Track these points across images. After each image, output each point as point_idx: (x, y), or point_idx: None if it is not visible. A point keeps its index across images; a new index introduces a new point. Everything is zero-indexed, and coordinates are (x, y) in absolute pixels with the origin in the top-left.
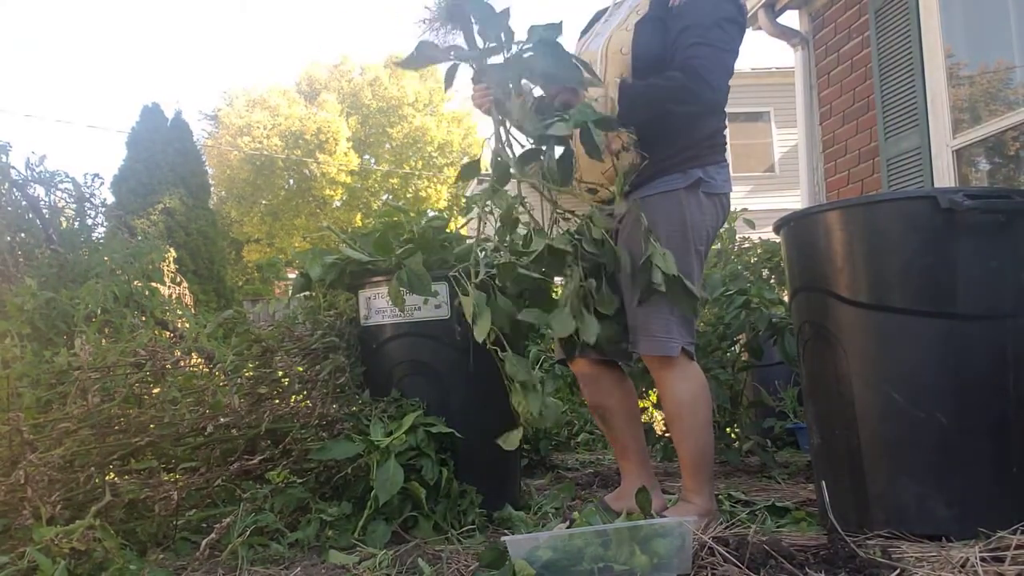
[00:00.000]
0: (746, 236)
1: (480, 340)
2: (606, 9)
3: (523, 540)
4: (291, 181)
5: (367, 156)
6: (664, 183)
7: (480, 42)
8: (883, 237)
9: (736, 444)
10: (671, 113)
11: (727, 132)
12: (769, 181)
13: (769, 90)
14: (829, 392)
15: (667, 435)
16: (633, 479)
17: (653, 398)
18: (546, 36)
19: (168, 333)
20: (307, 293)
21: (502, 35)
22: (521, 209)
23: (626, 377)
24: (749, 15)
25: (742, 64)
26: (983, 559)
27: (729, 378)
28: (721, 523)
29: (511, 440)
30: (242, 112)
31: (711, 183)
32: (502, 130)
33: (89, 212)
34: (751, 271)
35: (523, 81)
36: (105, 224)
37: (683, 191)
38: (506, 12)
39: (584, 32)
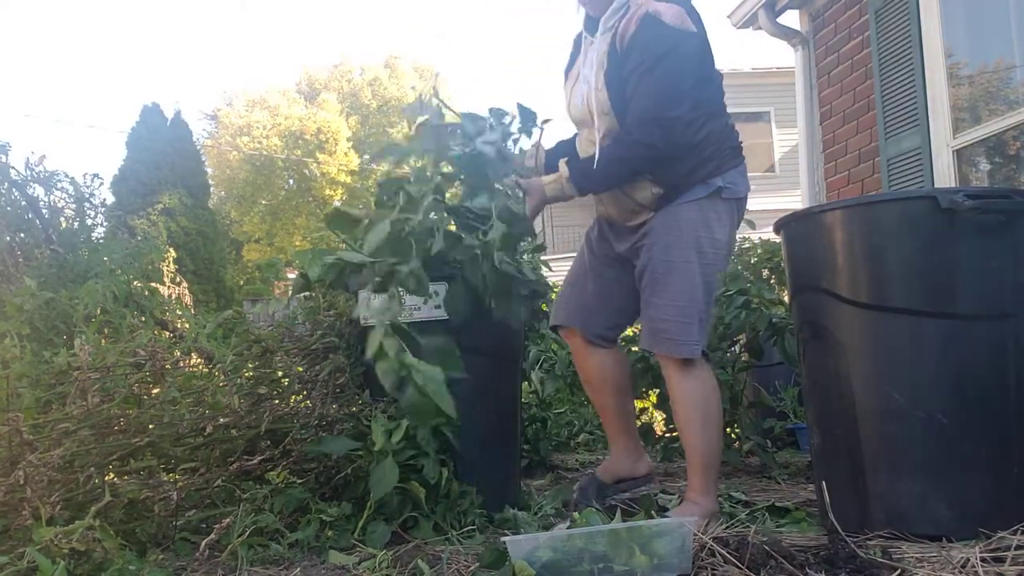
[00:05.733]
0: (746, 236)
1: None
2: (579, 36)
3: (523, 540)
4: (291, 181)
5: (367, 156)
6: (687, 195)
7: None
8: (883, 237)
9: (736, 444)
10: (645, 166)
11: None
12: (769, 181)
13: (769, 90)
14: (829, 392)
15: (667, 435)
16: (620, 447)
17: (653, 398)
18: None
19: (168, 333)
20: (307, 293)
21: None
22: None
23: (619, 349)
24: (749, 15)
25: (742, 64)
26: (983, 559)
27: (729, 378)
28: (721, 523)
29: None
30: (242, 112)
31: (731, 188)
32: None
33: (89, 212)
34: (751, 271)
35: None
36: (105, 224)
37: (704, 200)
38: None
39: (567, 70)
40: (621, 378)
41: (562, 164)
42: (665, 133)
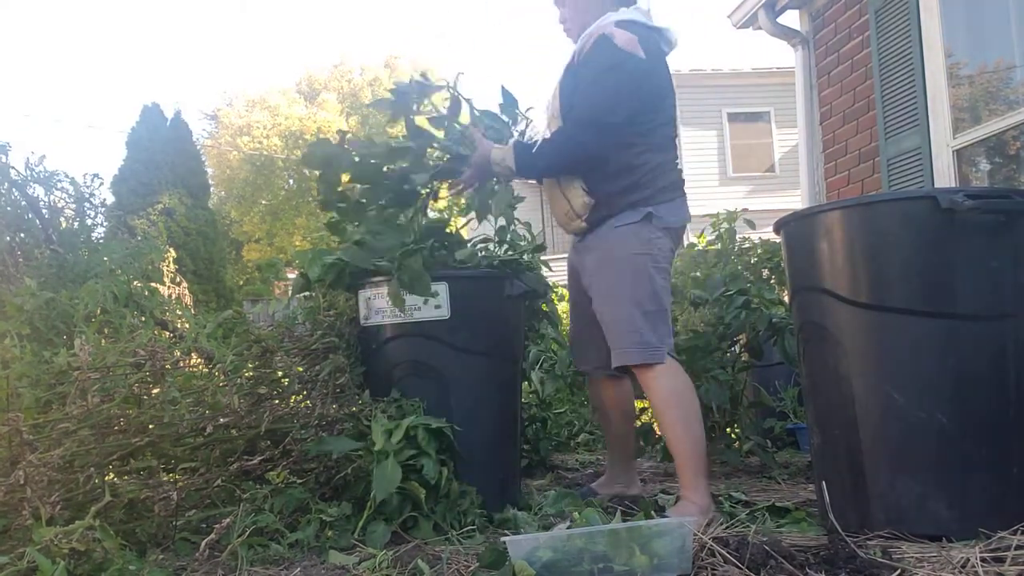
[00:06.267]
0: (746, 236)
1: None
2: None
3: (523, 540)
4: (291, 181)
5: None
6: (619, 219)
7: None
8: (883, 237)
9: (736, 444)
10: (576, 161)
11: (681, 162)
12: (769, 181)
13: (769, 90)
14: (829, 392)
15: None
16: (618, 469)
17: None
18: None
19: (168, 333)
20: (307, 293)
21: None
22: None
23: (625, 380)
24: (749, 15)
25: (742, 64)
26: (983, 559)
27: (729, 378)
28: (721, 523)
29: None
30: (242, 112)
31: (661, 219)
32: None
33: (89, 212)
34: (751, 271)
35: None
36: (105, 224)
37: (636, 224)
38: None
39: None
40: (628, 406)
41: (514, 141)
42: (598, 135)
